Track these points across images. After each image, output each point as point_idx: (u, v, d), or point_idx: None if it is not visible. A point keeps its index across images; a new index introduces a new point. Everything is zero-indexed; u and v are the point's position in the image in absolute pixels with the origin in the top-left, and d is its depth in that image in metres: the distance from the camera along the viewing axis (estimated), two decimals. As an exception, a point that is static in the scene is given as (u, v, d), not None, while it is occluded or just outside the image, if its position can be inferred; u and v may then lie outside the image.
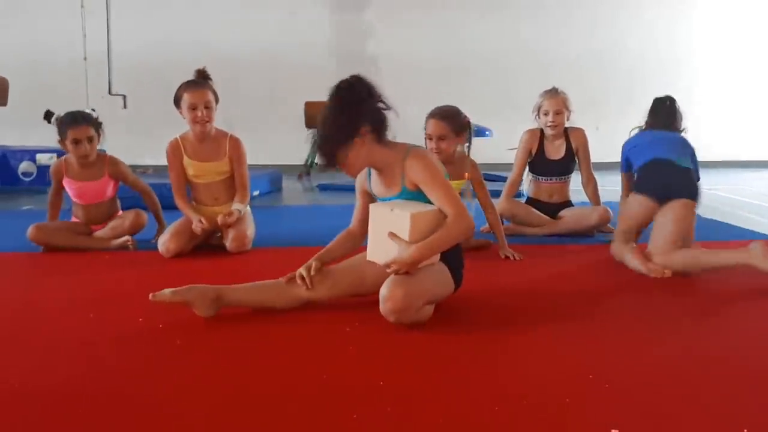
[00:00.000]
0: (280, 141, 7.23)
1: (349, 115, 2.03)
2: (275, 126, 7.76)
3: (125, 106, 7.96)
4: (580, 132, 3.69)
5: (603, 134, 5.96)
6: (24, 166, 6.27)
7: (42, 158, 6.29)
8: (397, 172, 2.11)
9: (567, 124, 3.67)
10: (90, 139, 3.21)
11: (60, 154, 6.16)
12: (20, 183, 6.20)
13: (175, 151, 3.23)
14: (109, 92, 7.97)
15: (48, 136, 6.91)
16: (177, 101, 3.16)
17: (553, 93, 3.68)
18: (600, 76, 8.39)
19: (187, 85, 3.14)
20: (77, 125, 3.19)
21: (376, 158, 2.11)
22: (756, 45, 8.68)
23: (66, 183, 3.28)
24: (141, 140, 7.21)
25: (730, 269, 2.57)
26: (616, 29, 8.46)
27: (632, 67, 8.44)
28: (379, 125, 2.09)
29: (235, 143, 3.25)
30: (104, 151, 3.45)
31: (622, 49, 8.46)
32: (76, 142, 3.18)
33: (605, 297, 2.44)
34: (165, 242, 3.02)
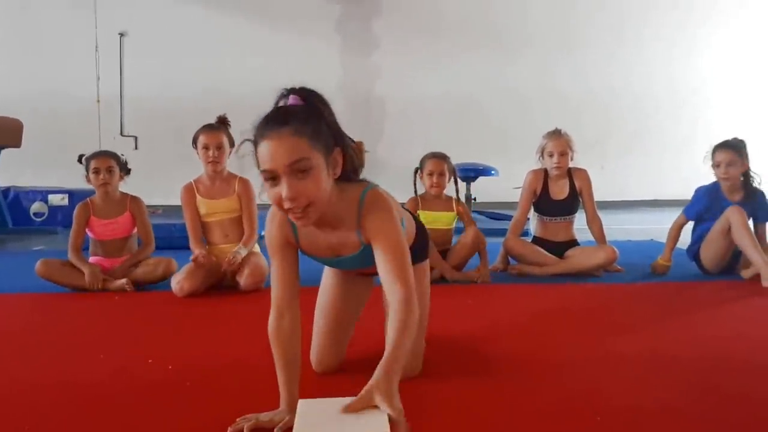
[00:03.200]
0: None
1: (328, 125, 1.51)
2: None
3: (136, 147, 8.12)
4: (583, 172, 3.73)
5: (607, 173, 6.02)
6: (36, 206, 6.37)
7: (54, 199, 6.40)
8: (349, 220, 1.61)
9: (570, 165, 3.71)
10: (109, 170, 3.36)
11: (71, 194, 6.31)
12: (32, 223, 6.28)
13: (188, 192, 3.36)
14: (121, 134, 8.14)
15: (60, 177, 7.06)
16: (194, 141, 3.36)
17: (557, 134, 3.73)
18: (603, 116, 8.49)
19: (204, 128, 3.34)
20: (98, 156, 3.40)
21: (329, 198, 1.51)
22: (757, 80, 8.77)
23: (92, 223, 3.37)
24: (152, 181, 7.26)
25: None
26: (617, 69, 8.58)
27: (634, 106, 8.54)
28: (349, 155, 1.56)
29: (245, 183, 3.39)
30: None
31: (624, 88, 8.57)
32: (96, 171, 3.34)
33: (611, 338, 2.45)
34: (179, 281, 3.09)
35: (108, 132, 8.06)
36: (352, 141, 1.61)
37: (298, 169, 1.41)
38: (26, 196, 6.42)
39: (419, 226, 1.99)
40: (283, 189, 1.42)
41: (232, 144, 3.36)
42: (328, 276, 2.01)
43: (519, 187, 3.82)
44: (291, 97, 1.53)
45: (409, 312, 1.48)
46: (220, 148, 3.29)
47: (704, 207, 3.53)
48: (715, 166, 3.51)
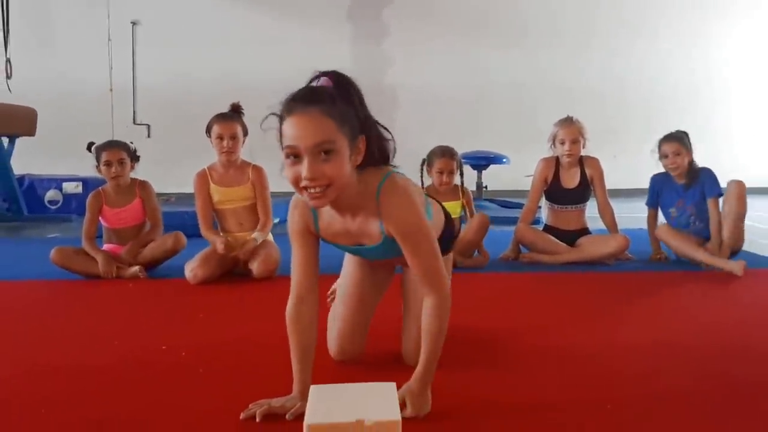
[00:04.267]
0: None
1: (356, 111, 1.50)
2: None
3: (149, 136, 8.13)
4: (594, 161, 3.72)
5: (621, 162, 5.98)
6: (50, 194, 6.41)
7: (68, 187, 6.44)
8: (369, 209, 1.58)
9: (582, 153, 3.70)
10: (121, 162, 3.37)
11: (85, 182, 6.36)
12: (47, 211, 6.33)
13: (202, 179, 3.37)
14: (134, 122, 8.16)
15: (74, 165, 7.10)
16: (208, 130, 3.36)
17: (569, 122, 3.72)
18: (617, 105, 8.42)
19: (217, 117, 3.34)
20: (110, 148, 3.40)
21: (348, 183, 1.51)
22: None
23: (104, 212, 3.40)
24: (164, 169, 7.29)
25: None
26: (633, 58, 8.50)
27: (649, 96, 8.47)
28: (373, 144, 1.55)
29: (258, 171, 3.41)
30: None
31: (639, 78, 8.49)
32: (108, 163, 3.36)
33: (620, 326, 2.45)
34: (193, 269, 3.11)
35: (121, 120, 8.08)
36: (386, 129, 1.60)
37: (322, 150, 1.42)
38: (41, 184, 6.47)
39: (447, 216, 1.94)
40: (303, 168, 1.42)
41: (245, 133, 3.37)
42: (349, 263, 1.99)
43: (530, 175, 3.82)
44: (323, 78, 1.53)
45: (442, 318, 1.57)
46: (234, 137, 3.30)
47: (658, 194, 3.66)
48: (663, 157, 3.56)
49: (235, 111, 3.36)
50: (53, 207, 6.39)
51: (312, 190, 1.44)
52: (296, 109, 1.44)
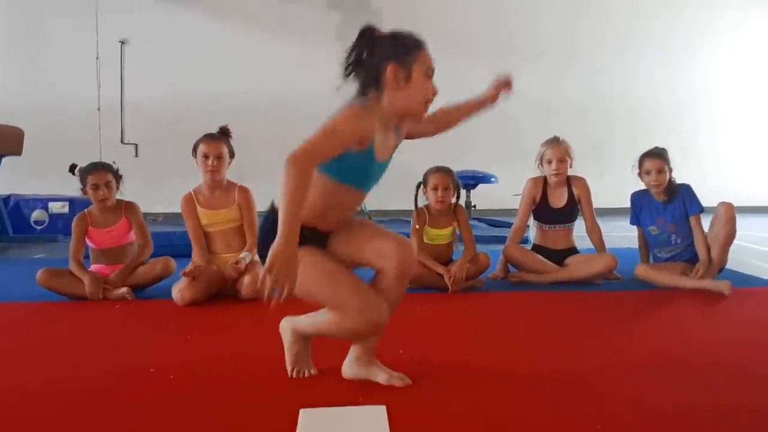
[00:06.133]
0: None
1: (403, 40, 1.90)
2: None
3: (137, 155, 8.11)
4: (582, 181, 3.75)
5: (607, 180, 6.01)
6: (36, 214, 6.37)
7: (54, 206, 6.40)
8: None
9: (569, 173, 3.73)
10: (107, 184, 3.37)
11: (71, 202, 6.33)
12: (32, 231, 6.28)
13: (188, 202, 3.37)
14: (122, 141, 8.13)
15: (60, 184, 7.04)
16: (194, 150, 3.37)
17: (556, 142, 3.75)
18: (603, 123, 8.50)
19: (204, 137, 3.35)
20: (96, 171, 3.39)
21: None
22: (757, 90, 8.79)
23: (90, 233, 3.39)
24: (152, 188, 7.28)
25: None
26: (617, 76, 8.59)
27: (634, 114, 8.55)
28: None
29: (244, 191, 3.41)
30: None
31: (623, 95, 8.57)
32: (95, 187, 3.35)
33: (609, 346, 2.46)
34: (180, 290, 3.09)
35: (108, 139, 8.06)
36: None
37: None
38: (27, 204, 6.42)
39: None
40: (432, 86, 1.92)
41: (232, 154, 3.38)
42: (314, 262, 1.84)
43: (519, 195, 3.84)
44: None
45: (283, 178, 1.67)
46: (219, 157, 3.31)
47: (639, 211, 3.66)
48: (645, 173, 3.57)
49: (223, 133, 3.37)
50: (39, 227, 6.34)
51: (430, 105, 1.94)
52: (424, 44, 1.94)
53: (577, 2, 8.60)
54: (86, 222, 3.40)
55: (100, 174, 3.37)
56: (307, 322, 1.98)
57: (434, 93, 1.92)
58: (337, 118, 1.77)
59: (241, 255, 3.27)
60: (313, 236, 1.86)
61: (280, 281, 1.60)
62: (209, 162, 3.30)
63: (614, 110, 8.57)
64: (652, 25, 8.60)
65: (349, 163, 1.81)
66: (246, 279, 3.17)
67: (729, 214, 3.41)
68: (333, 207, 1.88)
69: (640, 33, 8.60)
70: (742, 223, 6.80)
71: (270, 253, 1.61)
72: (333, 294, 1.81)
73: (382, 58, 1.86)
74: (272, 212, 1.85)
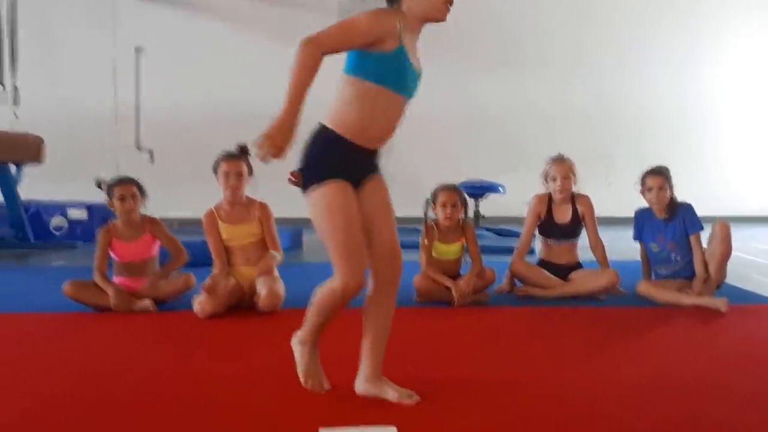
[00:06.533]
0: (301, 194, 7.48)
1: None
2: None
3: (152, 161, 8.28)
4: (585, 198, 3.87)
5: (615, 188, 6.11)
6: (56, 221, 6.54)
7: (73, 213, 6.57)
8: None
9: (573, 189, 3.85)
10: (133, 196, 3.54)
11: (90, 208, 6.50)
12: (52, 237, 6.45)
13: (210, 218, 3.54)
14: (137, 147, 8.30)
15: (78, 191, 7.22)
16: (215, 169, 3.53)
17: (560, 159, 3.88)
18: (609, 131, 8.59)
19: (225, 156, 3.51)
20: (122, 184, 3.57)
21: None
22: (763, 97, 8.85)
23: (115, 246, 3.54)
24: (167, 194, 7.37)
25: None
26: (623, 84, 8.67)
27: (641, 122, 8.63)
28: None
29: (264, 207, 3.59)
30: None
31: (629, 103, 8.65)
32: (122, 198, 3.51)
33: (609, 362, 2.58)
34: (201, 303, 3.24)
35: (125, 146, 8.23)
36: None
37: None
38: (46, 211, 6.59)
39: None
40: None
41: (250, 171, 3.53)
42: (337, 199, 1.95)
43: (527, 202, 3.96)
44: None
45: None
46: (240, 175, 3.48)
47: (641, 228, 3.78)
48: (647, 190, 3.69)
49: (243, 151, 3.49)
50: (58, 233, 6.51)
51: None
52: None
53: (582, 11, 8.70)
54: (111, 234, 3.55)
55: (126, 186, 3.54)
56: (306, 323, 2.13)
57: None
58: (358, 15, 1.88)
59: (271, 252, 3.48)
60: (352, 155, 1.94)
61: (276, 144, 1.80)
62: (230, 180, 3.46)
63: (620, 118, 8.65)
64: (658, 32, 8.67)
65: (384, 62, 1.90)
66: (263, 293, 3.31)
67: (724, 232, 3.53)
68: (375, 115, 1.94)
69: (646, 40, 8.67)
70: (746, 233, 6.92)
71: (272, 122, 1.81)
72: (335, 246, 1.92)
73: None
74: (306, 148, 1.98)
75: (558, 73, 8.62)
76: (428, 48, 8.69)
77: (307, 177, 1.95)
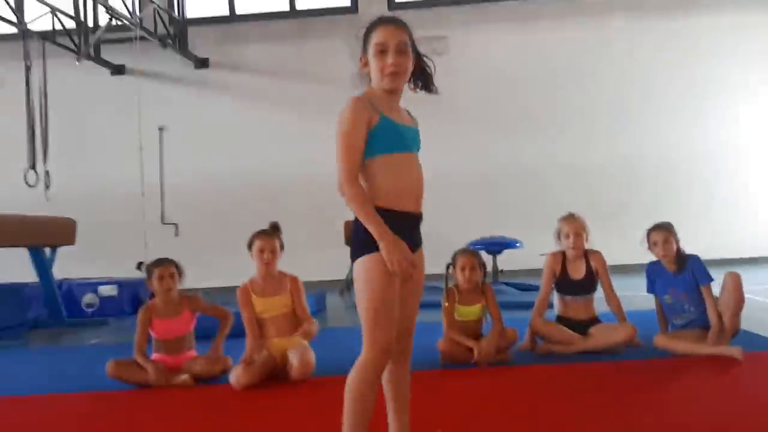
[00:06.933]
0: (322, 258, 7.68)
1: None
2: (317, 244, 8.15)
3: (177, 234, 8.57)
4: (598, 254, 4.02)
5: (631, 238, 6.27)
6: (88, 298, 6.76)
7: (104, 290, 6.78)
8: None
9: (586, 246, 4.01)
10: (171, 275, 3.77)
11: (120, 285, 6.73)
12: (84, 314, 6.67)
13: (244, 292, 3.75)
14: (162, 222, 8.61)
15: (108, 268, 7.47)
16: (249, 246, 3.74)
17: (572, 218, 4.05)
18: (621, 186, 8.82)
19: (258, 234, 3.74)
20: (161, 264, 3.79)
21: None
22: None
23: (154, 324, 3.73)
24: (192, 266, 7.67)
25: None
26: (632, 141, 8.96)
27: (655, 174, 8.85)
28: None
29: (294, 280, 3.79)
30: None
31: (644, 157, 8.90)
32: (161, 278, 3.74)
33: (631, 417, 2.69)
34: (237, 376, 3.41)
35: (151, 221, 8.54)
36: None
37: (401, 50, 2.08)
38: (78, 289, 6.82)
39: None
40: (385, 60, 2.07)
41: (282, 247, 3.76)
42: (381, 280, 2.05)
43: (545, 254, 4.11)
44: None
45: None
46: (273, 251, 3.70)
47: (653, 281, 3.91)
48: (653, 245, 3.83)
49: (275, 229, 3.73)
50: (90, 310, 6.73)
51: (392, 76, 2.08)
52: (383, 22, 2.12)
53: (593, 73, 9.02)
54: (150, 312, 3.75)
55: (165, 267, 3.77)
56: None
57: (387, 65, 2.06)
58: (341, 126, 2.06)
59: (305, 327, 3.67)
60: (398, 222, 2.05)
61: (400, 260, 1.95)
62: (264, 256, 3.68)
63: (633, 173, 8.90)
64: (667, 91, 8.99)
65: (380, 136, 2.06)
66: (296, 363, 3.47)
67: (735, 283, 3.64)
68: (399, 178, 2.09)
69: (657, 99, 9.00)
70: (762, 275, 6.96)
71: (382, 250, 1.96)
72: (368, 315, 2.02)
73: (359, 57, 2.17)
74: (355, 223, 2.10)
75: (571, 132, 8.93)
76: (437, 115, 9.17)
77: (356, 248, 2.08)
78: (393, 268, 1.96)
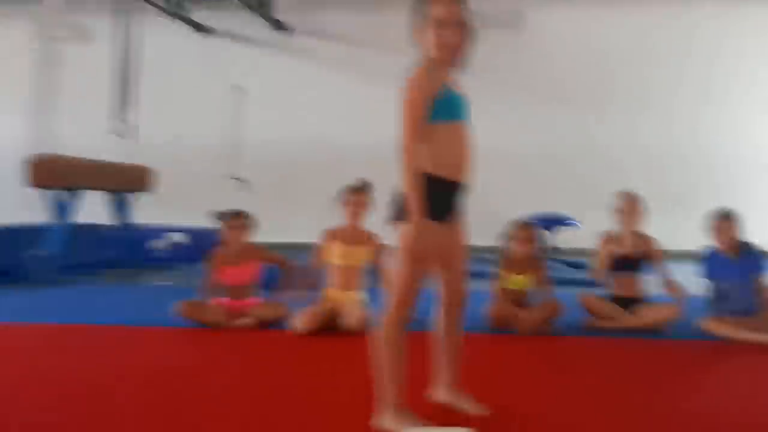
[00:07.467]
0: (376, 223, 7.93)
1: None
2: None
3: (250, 190, 8.92)
4: (651, 240, 4.07)
5: (688, 225, 6.26)
6: (162, 243, 7.17)
7: (177, 237, 7.18)
8: None
9: (639, 226, 4.07)
10: (242, 226, 4.06)
11: (192, 233, 7.10)
12: (157, 258, 7.08)
13: (329, 235, 4.00)
14: (237, 178, 8.96)
15: (184, 216, 7.86)
16: (340, 198, 3.98)
17: (628, 194, 4.12)
18: (697, 170, 8.69)
19: (350, 187, 3.98)
20: (234, 216, 4.08)
21: None
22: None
23: (222, 269, 4.01)
24: (263, 220, 8.06)
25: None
26: (697, 128, 8.79)
27: (727, 163, 8.67)
28: None
29: (377, 236, 3.95)
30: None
31: (719, 145, 8.73)
32: (232, 227, 4.04)
33: (675, 397, 2.80)
34: (299, 322, 3.69)
35: (226, 176, 8.91)
36: None
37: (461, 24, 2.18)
38: (152, 234, 7.22)
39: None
40: (444, 34, 2.15)
41: (370, 204, 3.97)
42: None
43: (600, 233, 4.18)
44: None
45: None
46: (361, 204, 3.94)
47: (709, 266, 3.94)
48: (714, 231, 3.88)
49: (365, 185, 3.97)
50: (163, 254, 7.14)
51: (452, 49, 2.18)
52: None
53: (678, 55, 8.85)
54: (219, 259, 4.03)
55: (237, 217, 4.05)
56: (378, 389, 2.28)
57: (446, 39, 2.14)
58: (407, 94, 2.16)
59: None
60: (443, 191, 2.20)
61: (416, 244, 2.11)
62: (352, 208, 3.92)
63: (697, 158, 8.74)
64: (732, 76, 8.74)
65: (443, 105, 2.17)
66: (352, 317, 3.71)
67: None
68: (453, 146, 2.22)
69: (721, 83, 8.75)
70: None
71: (410, 227, 2.11)
72: (398, 279, 2.21)
73: (413, 26, 2.23)
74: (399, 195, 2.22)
75: (649, 115, 8.84)
76: (507, 92, 9.21)
77: (396, 213, 2.21)
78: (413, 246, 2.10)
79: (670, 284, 3.98)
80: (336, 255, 3.94)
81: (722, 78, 8.79)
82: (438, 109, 2.19)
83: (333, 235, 3.99)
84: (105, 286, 5.74)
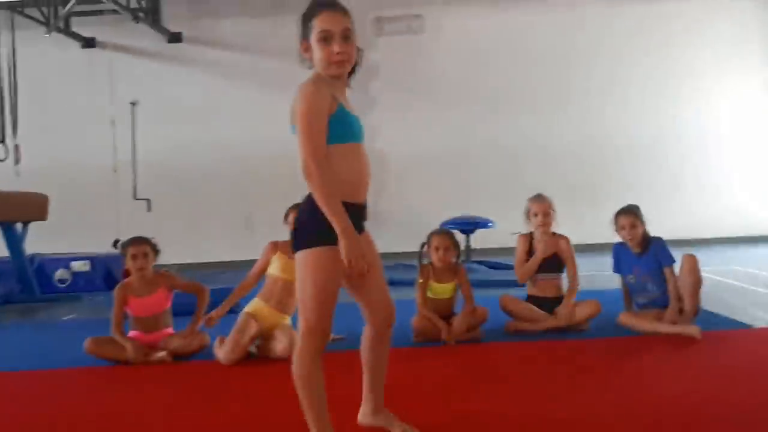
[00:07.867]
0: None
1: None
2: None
3: (149, 210, 8.53)
4: (565, 239, 4.14)
5: (602, 217, 6.48)
6: (60, 273, 6.73)
7: (76, 265, 6.75)
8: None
9: (553, 230, 4.13)
10: (145, 254, 3.78)
11: (92, 260, 6.71)
12: (56, 290, 6.65)
13: (273, 246, 3.81)
14: (135, 197, 8.56)
15: (78, 243, 7.41)
16: (286, 216, 3.78)
17: (540, 198, 4.18)
18: (594, 164, 8.99)
19: (292, 207, 3.66)
20: (135, 243, 3.81)
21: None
22: (733, 128, 9.25)
23: (130, 302, 3.75)
24: (164, 241, 7.71)
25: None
26: (606, 121, 9.13)
27: (623, 156, 9.04)
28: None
29: None
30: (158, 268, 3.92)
31: (613, 138, 9.08)
32: (134, 257, 3.75)
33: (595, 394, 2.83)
34: (226, 352, 3.52)
35: (123, 196, 8.50)
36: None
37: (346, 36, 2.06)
38: (50, 264, 6.79)
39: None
40: (330, 48, 2.04)
41: None
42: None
43: (517, 233, 4.24)
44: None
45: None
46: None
47: (618, 261, 4.05)
48: (620, 229, 3.96)
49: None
50: (63, 285, 6.71)
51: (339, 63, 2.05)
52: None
53: (566, 54, 9.13)
54: (126, 291, 3.78)
55: (138, 246, 3.79)
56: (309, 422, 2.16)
57: (332, 53, 2.04)
58: (305, 106, 2.02)
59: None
60: (353, 216, 2.05)
61: (357, 260, 1.98)
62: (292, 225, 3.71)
63: (605, 151, 9.06)
64: (635, 72, 9.15)
65: (336, 124, 2.04)
66: (281, 342, 3.55)
67: (691, 265, 3.78)
68: (351, 169, 2.10)
69: (625, 80, 9.15)
70: (727, 255, 7.19)
71: (342, 247, 1.98)
72: (309, 299, 2.08)
73: (300, 40, 2.12)
74: (309, 210, 2.08)
75: (543, 113, 9.06)
76: (413, 95, 9.26)
77: (307, 236, 2.08)
78: (350, 266, 1.98)
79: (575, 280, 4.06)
80: (276, 267, 3.76)
81: (609, 73, 9.16)
82: (333, 131, 2.06)
83: (275, 246, 3.81)
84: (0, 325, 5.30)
